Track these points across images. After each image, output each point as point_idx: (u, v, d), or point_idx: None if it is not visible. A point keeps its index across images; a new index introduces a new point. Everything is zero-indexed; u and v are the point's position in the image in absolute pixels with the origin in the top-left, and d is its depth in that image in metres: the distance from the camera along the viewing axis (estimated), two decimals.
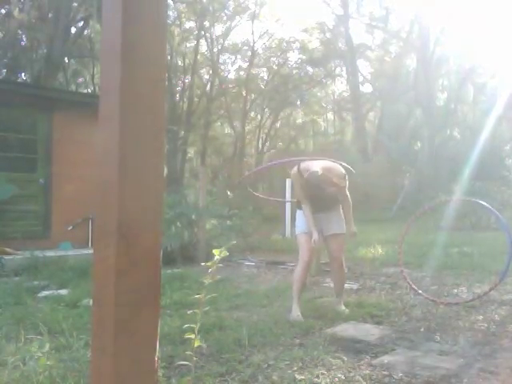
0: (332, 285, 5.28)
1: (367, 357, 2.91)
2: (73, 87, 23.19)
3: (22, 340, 3.15)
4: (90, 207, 7.01)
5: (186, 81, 27.63)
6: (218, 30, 27.17)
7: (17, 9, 16.31)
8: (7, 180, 7.46)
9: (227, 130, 30.83)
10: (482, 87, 23.08)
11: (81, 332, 3.21)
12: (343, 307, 4.08)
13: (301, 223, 4.11)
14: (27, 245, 6.63)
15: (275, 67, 28.18)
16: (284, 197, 9.82)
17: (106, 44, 1.16)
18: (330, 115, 33.61)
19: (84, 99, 9.65)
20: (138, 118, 1.10)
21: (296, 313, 3.83)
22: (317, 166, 3.86)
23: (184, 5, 24.81)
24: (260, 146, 29.03)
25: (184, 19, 25.91)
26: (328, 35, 27.70)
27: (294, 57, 28.68)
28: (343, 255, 4.17)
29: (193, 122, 26.28)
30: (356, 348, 3.08)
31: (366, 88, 28.57)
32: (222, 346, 3.03)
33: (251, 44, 27.38)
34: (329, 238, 4.12)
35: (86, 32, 20.72)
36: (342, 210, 4.17)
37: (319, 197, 4.01)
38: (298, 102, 28.94)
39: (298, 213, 4.17)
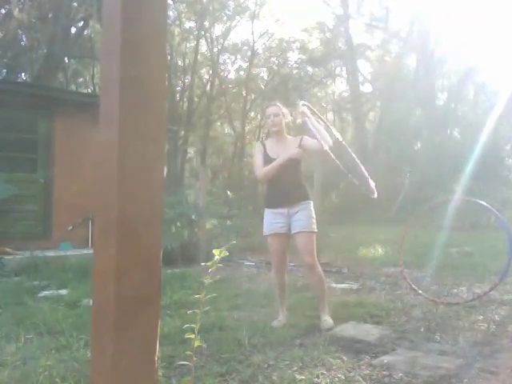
0: (334, 285, 5.30)
1: (367, 357, 2.91)
2: (73, 87, 23.17)
3: (22, 340, 3.15)
4: (90, 207, 7.01)
5: (186, 81, 27.62)
6: (218, 30, 27.18)
7: (17, 9, 16.29)
8: (7, 180, 7.45)
9: (227, 130, 30.81)
10: (482, 87, 23.07)
11: (81, 332, 3.21)
12: (326, 317, 3.64)
13: (266, 224, 3.80)
14: (27, 245, 6.63)
15: (275, 67, 28.16)
16: None
17: (106, 44, 1.16)
18: (330, 115, 33.59)
19: (84, 99, 9.65)
20: (138, 118, 1.10)
21: (278, 318, 3.71)
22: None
23: (184, 5, 24.79)
24: None
25: (184, 19, 25.89)
26: (328, 35, 27.67)
27: (294, 57, 28.70)
28: (314, 257, 3.69)
29: (193, 122, 26.27)
30: (356, 348, 3.08)
31: (366, 88, 28.56)
32: (222, 346, 3.03)
33: (251, 44, 27.35)
34: (295, 237, 3.71)
35: (86, 32, 20.69)
36: (312, 207, 3.78)
37: (282, 180, 3.72)
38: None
39: (265, 212, 3.85)
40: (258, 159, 3.85)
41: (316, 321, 3.68)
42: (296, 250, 3.78)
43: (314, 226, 3.74)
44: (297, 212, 3.72)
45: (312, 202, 3.83)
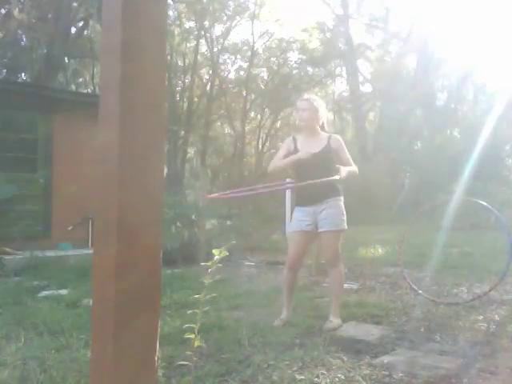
0: None
1: (367, 357, 2.90)
2: (73, 87, 23.15)
3: (22, 340, 3.15)
4: (90, 207, 7.02)
5: (186, 81, 27.63)
6: (218, 30, 27.19)
7: (17, 9, 16.28)
8: (7, 180, 7.45)
9: (227, 130, 30.82)
10: (482, 87, 23.09)
11: (81, 332, 3.21)
12: (333, 318, 3.57)
13: (293, 220, 3.78)
14: (27, 245, 6.63)
15: (275, 67, 28.17)
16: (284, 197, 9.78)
17: (105, 44, 1.16)
18: (330, 115, 33.59)
19: (84, 99, 9.65)
20: (138, 118, 1.10)
21: (281, 316, 3.67)
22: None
23: (184, 5, 24.80)
24: (260, 146, 29.03)
25: (184, 19, 25.90)
26: (328, 35, 27.67)
27: (294, 57, 28.70)
28: (337, 257, 3.70)
29: (193, 122, 26.27)
30: (356, 348, 3.07)
31: (366, 88, 28.56)
32: (222, 346, 3.03)
33: (251, 44, 27.36)
34: (321, 235, 3.68)
35: (86, 32, 20.69)
36: (341, 203, 3.70)
37: (310, 178, 3.57)
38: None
39: (295, 209, 3.83)
40: (280, 153, 3.79)
41: (316, 321, 3.68)
42: (320, 247, 3.75)
43: (342, 224, 3.67)
44: (323, 210, 3.64)
45: (341, 198, 3.73)
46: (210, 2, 24.67)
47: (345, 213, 3.71)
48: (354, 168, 3.73)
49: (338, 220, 3.66)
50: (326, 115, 3.91)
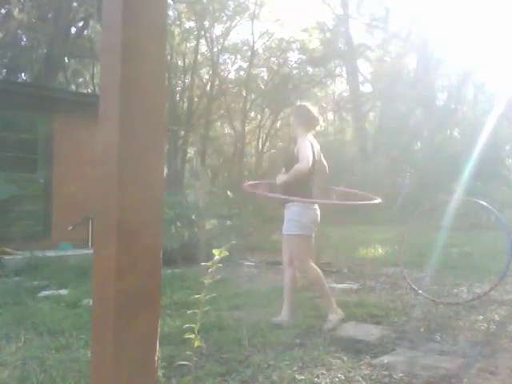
0: (334, 285, 5.30)
1: (367, 357, 2.90)
2: (73, 87, 23.15)
3: (22, 340, 3.15)
4: (90, 207, 7.01)
5: (186, 81, 27.63)
6: (218, 30, 27.19)
7: (17, 9, 16.27)
8: (7, 180, 7.45)
9: (227, 130, 30.82)
10: (482, 87, 23.10)
11: (81, 332, 3.22)
12: (330, 317, 3.59)
13: None
14: (27, 245, 6.62)
15: (275, 67, 28.17)
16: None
17: (105, 44, 1.16)
18: (330, 115, 33.58)
19: (84, 99, 9.64)
20: (138, 118, 1.10)
21: (280, 317, 3.66)
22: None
23: (184, 5, 24.80)
24: (260, 146, 29.03)
25: (184, 19, 25.90)
26: (328, 35, 27.67)
27: (294, 57, 28.71)
28: (300, 261, 3.67)
29: (193, 122, 26.27)
30: (356, 348, 3.07)
31: (366, 88, 28.57)
32: (222, 346, 3.03)
33: (251, 44, 27.37)
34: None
35: (86, 32, 20.68)
36: (297, 207, 3.63)
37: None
38: (298, 102, 28.84)
39: None
40: None
41: (316, 321, 3.68)
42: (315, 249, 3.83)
43: (292, 229, 3.63)
44: (285, 214, 3.75)
45: (300, 204, 3.63)
46: (210, 2, 24.67)
47: (299, 217, 3.61)
48: (295, 168, 3.64)
49: (287, 224, 3.70)
50: (314, 119, 3.97)
